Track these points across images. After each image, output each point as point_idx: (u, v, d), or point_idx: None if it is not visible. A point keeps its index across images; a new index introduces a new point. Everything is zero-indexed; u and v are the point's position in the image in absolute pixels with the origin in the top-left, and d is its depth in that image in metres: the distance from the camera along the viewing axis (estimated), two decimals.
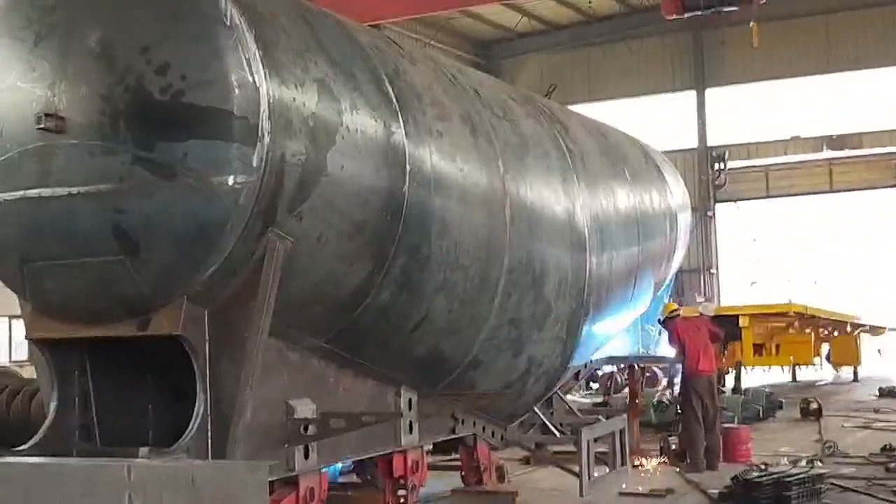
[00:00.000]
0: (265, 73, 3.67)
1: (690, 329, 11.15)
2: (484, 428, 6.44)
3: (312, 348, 4.39)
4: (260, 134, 3.61)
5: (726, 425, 11.84)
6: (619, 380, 20.92)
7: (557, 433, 7.26)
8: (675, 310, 11.48)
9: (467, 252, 4.94)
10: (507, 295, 5.43)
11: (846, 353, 26.32)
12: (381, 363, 4.86)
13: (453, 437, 6.02)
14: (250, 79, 3.61)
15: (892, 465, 10.22)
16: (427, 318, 4.80)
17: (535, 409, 7.10)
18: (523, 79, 32.45)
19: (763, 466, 9.70)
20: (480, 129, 5.27)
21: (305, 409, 4.26)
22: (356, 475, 6.37)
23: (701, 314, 13.05)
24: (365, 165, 4.12)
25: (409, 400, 5.16)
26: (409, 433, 5.17)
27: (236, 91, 3.56)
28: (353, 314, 4.38)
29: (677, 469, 10.75)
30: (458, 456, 6.81)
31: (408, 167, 4.35)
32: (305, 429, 4.24)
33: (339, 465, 7.68)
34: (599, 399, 16.96)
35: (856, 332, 26.61)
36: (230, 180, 3.56)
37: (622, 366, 19.12)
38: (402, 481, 5.23)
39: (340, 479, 7.26)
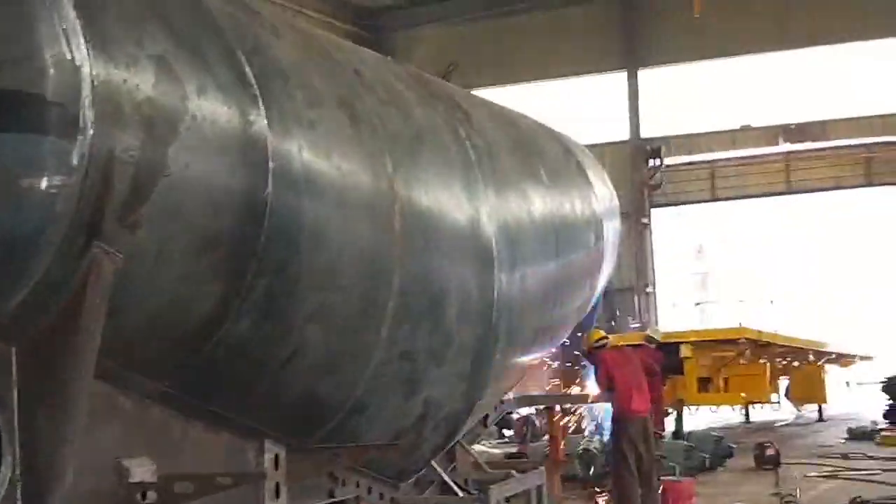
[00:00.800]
0: (88, 47, 3.61)
1: (621, 362, 11.41)
2: (370, 489, 6.42)
3: (152, 394, 4.33)
4: (81, 125, 3.55)
5: (666, 478, 12.12)
6: (537, 424, 21.20)
7: (460, 492, 7.31)
8: (603, 338, 11.71)
9: (348, 270, 4.96)
10: (398, 322, 5.45)
11: (809, 388, 27.20)
12: (240, 411, 4.82)
13: (332, 501, 6.00)
14: (68, 55, 3.54)
15: None
16: (297, 354, 4.79)
17: (434, 463, 7.13)
18: (418, 56, 32.58)
19: None
20: (363, 118, 5.29)
21: (143, 470, 4.20)
22: None
23: (648, 339, 13.33)
24: (217, 163, 4.09)
25: (276, 456, 5.12)
26: (276, 498, 5.12)
27: (50, 71, 3.49)
28: (202, 350, 4.34)
29: None
30: None
31: (271, 165, 4.34)
32: (143, 495, 4.18)
33: None
34: (513, 449, 17.12)
35: (820, 363, 27.54)
36: (43, 183, 3.48)
37: (541, 407, 19.43)
38: None
39: None
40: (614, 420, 11.41)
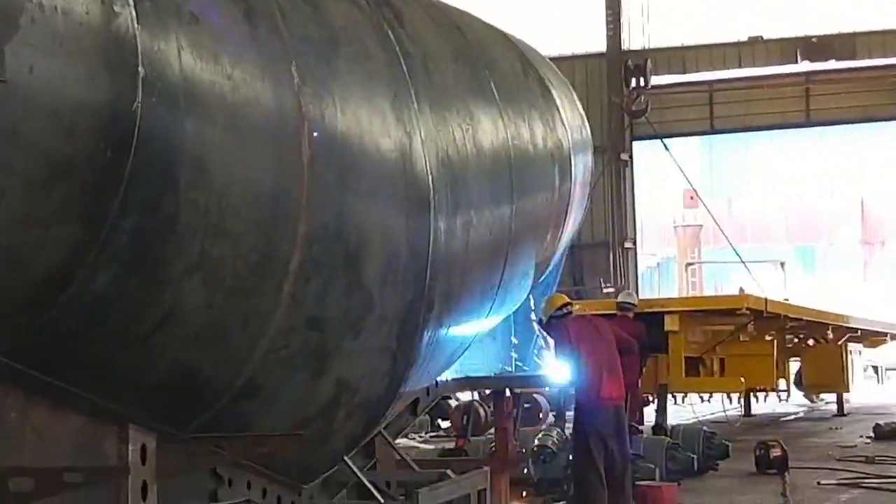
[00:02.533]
0: None
1: (590, 334, 11.49)
2: (265, 491, 6.45)
3: None
4: None
5: (642, 483, 12.27)
6: (481, 414, 21.34)
7: (381, 499, 7.36)
8: (566, 304, 11.78)
9: (239, 212, 4.93)
10: (304, 280, 5.45)
11: (826, 373, 27.58)
12: (97, 389, 4.80)
13: None
14: None
15: None
16: (172, 317, 4.78)
17: (348, 460, 7.17)
18: None
19: None
20: (261, 14, 5.25)
21: None
22: None
23: (620, 306, 13.42)
24: (70, 67, 4.03)
25: (142, 447, 5.10)
26: (143, 500, 5.11)
27: None
28: (47, 311, 4.31)
29: None
30: None
31: (141, 71, 4.29)
32: None
33: None
34: (451, 444, 17.24)
35: (841, 341, 27.93)
36: None
37: (486, 392, 19.53)
38: None
39: None
40: (579, 409, 11.51)
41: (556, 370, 11.98)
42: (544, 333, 13.13)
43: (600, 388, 11.16)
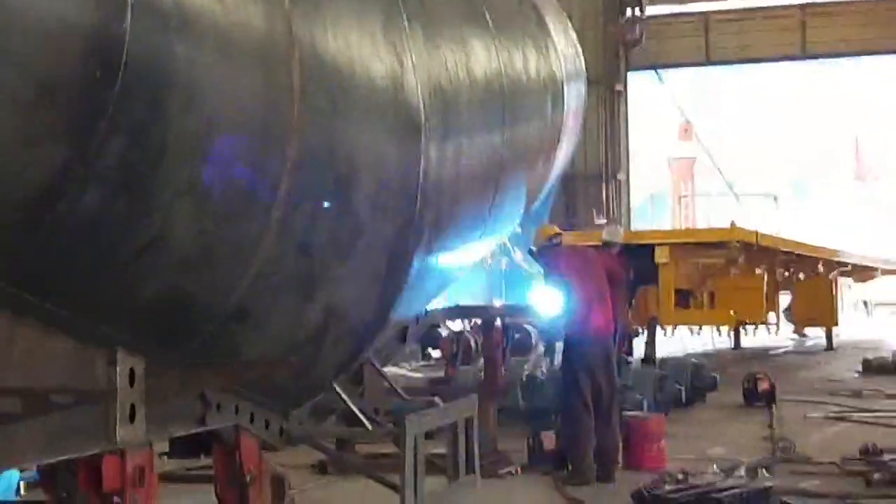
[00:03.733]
0: None
1: (579, 265, 11.54)
2: (253, 416, 6.50)
3: None
4: None
5: (629, 413, 12.38)
6: (471, 343, 21.43)
7: (369, 425, 7.41)
8: (556, 235, 11.81)
9: (229, 135, 4.92)
10: (294, 206, 5.45)
11: (816, 307, 27.74)
12: (86, 311, 4.81)
13: (203, 429, 6.05)
14: None
15: (875, 475, 10.71)
16: (161, 239, 4.78)
17: (336, 387, 7.21)
18: None
19: (682, 476, 10.21)
20: None
21: None
22: (44, 490, 6.33)
23: (604, 244, 13.48)
24: None
25: (131, 370, 5.14)
26: (131, 423, 5.16)
27: None
28: (35, 229, 4.31)
29: (554, 480, 11.18)
30: (211, 461, 6.85)
31: None
32: None
33: (17, 473, 7.61)
34: (440, 373, 17.34)
35: (831, 275, 28.05)
36: None
37: (475, 322, 19.63)
38: (116, 498, 5.24)
39: (21, 496, 7.16)
40: (567, 339, 11.56)
41: (547, 300, 12.02)
42: (535, 262, 13.13)
43: (589, 318, 11.21)
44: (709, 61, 36.93)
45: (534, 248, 12.07)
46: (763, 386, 17.21)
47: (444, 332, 23.70)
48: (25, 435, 4.62)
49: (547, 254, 11.68)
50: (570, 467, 11.21)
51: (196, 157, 4.76)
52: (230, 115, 4.92)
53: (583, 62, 10.65)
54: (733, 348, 28.58)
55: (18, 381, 4.54)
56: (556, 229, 12.06)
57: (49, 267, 4.50)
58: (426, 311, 9.45)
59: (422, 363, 23.29)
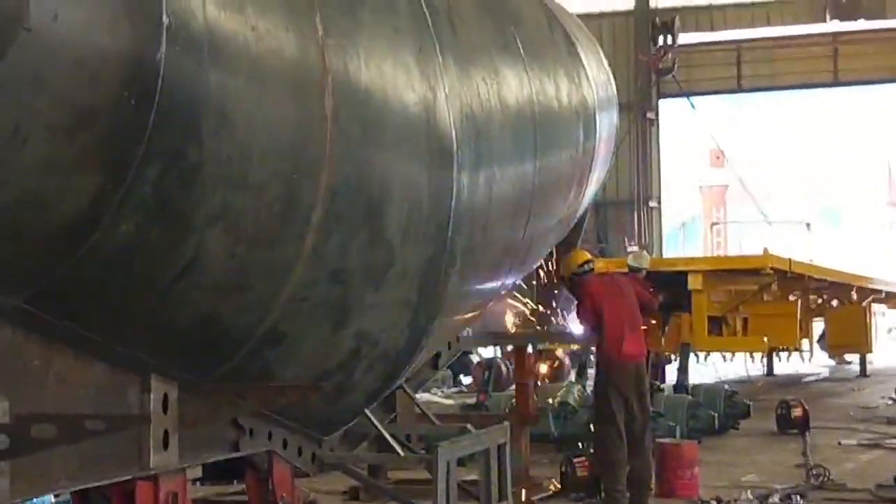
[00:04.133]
0: None
1: (611, 292, 11.50)
2: (286, 442, 6.50)
3: (3, 310, 4.33)
4: None
5: (662, 440, 12.32)
6: (503, 369, 21.40)
7: (401, 451, 7.40)
8: (588, 261, 11.78)
9: (262, 162, 4.94)
10: (326, 233, 5.46)
11: (850, 334, 27.55)
12: (120, 337, 4.83)
13: (236, 455, 6.06)
14: None
15: None
16: (195, 265, 4.79)
17: (368, 413, 7.21)
18: None
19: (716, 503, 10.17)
20: None
21: None
22: None
23: (630, 269, 13.45)
24: (94, 15, 4.03)
25: (164, 396, 5.15)
26: (164, 449, 5.17)
27: None
28: (71, 257, 4.33)
29: None
30: (244, 487, 6.85)
31: (165, 20, 4.29)
32: None
33: (51, 498, 7.63)
34: (472, 400, 17.31)
35: (865, 302, 27.87)
36: None
37: (507, 348, 19.57)
38: None
39: None
40: (600, 366, 11.52)
41: (578, 327, 12.00)
42: (565, 290, 13.08)
43: (622, 344, 11.15)
44: (741, 89, 36.83)
45: (565, 275, 12.00)
46: (796, 413, 17.10)
47: (475, 359, 23.72)
48: (59, 461, 4.63)
49: (578, 280, 11.64)
50: (602, 494, 11.16)
51: (229, 184, 4.77)
52: (263, 141, 4.94)
53: (614, 89, 10.65)
54: (766, 375, 28.40)
55: (53, 407, 4.55)
56: (588, 255, 12.03)
57: (83, 295, 4.52)
58: (458, 338, 9.45)
59: (454, 389, 23.27)
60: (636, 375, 11.29)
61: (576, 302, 12.02)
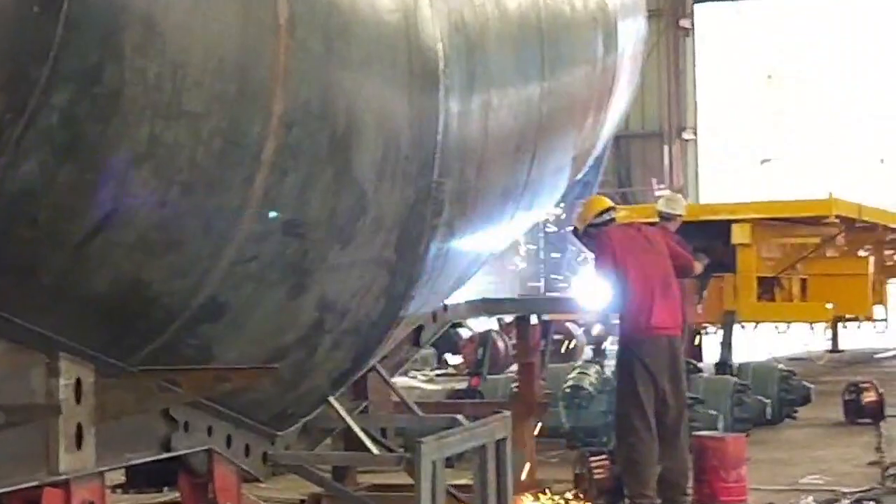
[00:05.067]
0: None
1: (637, 247, 11.50)
2: (230, 439, 6.52)
3: None
4: None
5: (701, 433, 12.35)
6: (501, 346, 21.43)
7: (375, 449, 7.42)
8: (609, 209, 11.80)
9: (199, 86, 4.93)
10: (281, 174, 5.47)
11: None
12: (20, 307, 4.83)
13: (168, 455, 6.07)
14: None
15: None
16: (115, 217, 4.79)
17: (334, 401, 7.22)
18: None
19: None
20: None
21: None
22: None
23: (661, 216, 13.46)
24: None
25: (78, 382, 5.16)
26: (77, 448, 5.18)
27: None
28: None
29: None
30: (177, 496, 6.86)
31: None
32: None
33: None
34: (462, 384, 17.36)
35: None
36: None
37: (506, 319, 19.56)
38: None
39: None
40: (623, 341, 11.53)
41: (596, 292, 12.00)
42: (581, 245, 13.03)
43: (651, 314, 11.15)
44: None
45: (579, 227, 11.98)
46: (869, 398, 17.16)
47: (466, 333, 23.75)
48: None
49: (597, 233, 11.63)
50: (628, 500, 11.22)
51: (158, 113, 4.76)
52: (200, 58, 4.92)
53: None
54: (831, 351, 28.52)
55: None
56: (609, 202, 12.03)
57: None
58: (445, 307, 9.46)
59: (439, 372, 23.31)
60: (669, 352, 11.30)
61: (593, 259, 12.01)
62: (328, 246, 6.03)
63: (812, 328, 25.73)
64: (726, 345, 19.75)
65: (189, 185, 5.03)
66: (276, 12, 5.30)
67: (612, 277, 11.33)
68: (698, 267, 13.06)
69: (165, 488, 6.94)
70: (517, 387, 12.67)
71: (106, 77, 4.50)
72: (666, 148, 35.95)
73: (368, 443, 7.40)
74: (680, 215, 13.61)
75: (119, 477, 6.48)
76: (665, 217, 13.66)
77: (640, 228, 12.05)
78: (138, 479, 6.63)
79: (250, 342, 5.98)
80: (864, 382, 17.66)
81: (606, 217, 11.63)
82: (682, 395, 11.50)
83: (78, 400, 5.16)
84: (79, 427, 5.18)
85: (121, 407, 5.48)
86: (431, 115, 6.49)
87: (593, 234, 11.64)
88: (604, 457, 11.77)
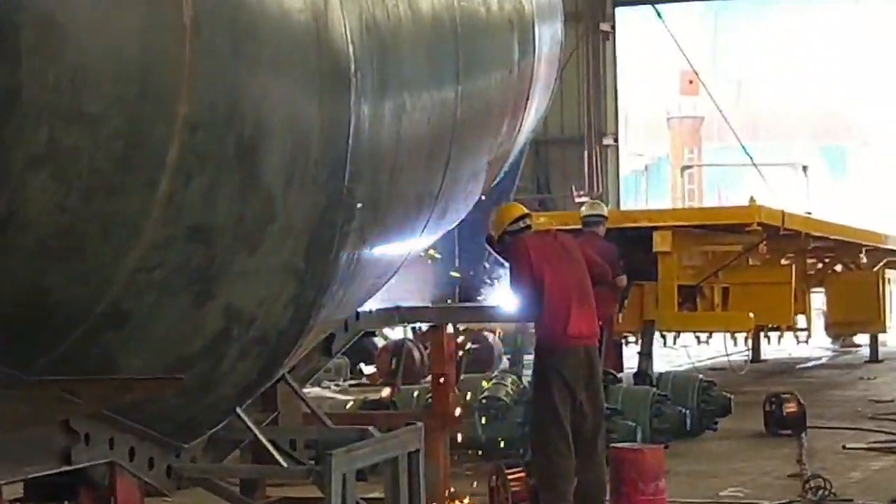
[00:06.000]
0: None
1: (554, 254, 11.51)
2: (133, 451, 6.47)
3: None
4: None
5: (619, 445, 12.39)
6: (416, 356, 21.43)
7: (283, 462, 7.40)
8: (524, 216, 11.81)
9: (100, 87, 4.90)
10: (185, 179, 5.44)
11: (857, 308, 27.81)
12: None
13: (67, 469, 6.02)
14: None
15: None
16: (12, 221, 4.77)
17: (241, 412, 7.19)
18: None
19: None
20: None
21: None
22: None
23: (585, 221, 13.46)
24: None
25: None
26: None
27: None
28: None
29: None
30: None
31: None
32: None
33: None
34: (376, 395, 17.35)
35: (878, 267, 28.15)
36: None
37: (420, 328, 19.57)
38: None
39: None
40: (540, 351, 11.53)
41: (511, 301, 12.02)
42: (495, 253, 13.00)
43: (567, 323, 11.18)
44: None
45: (493, 234, 11.97)
46: (790, 409, 17.28)
47: (380, 342, 23.75)
48: None
49: (512, 241, 11.63)
50: None
51: (57, 114, 4.73)
52: (101, 58, 4.89)
53: None
54: (752, 361, 28.71)
55: None
56: (523, 209, 12.04)
57: None
58: (357, 315, 9.44)
59: (352, 382, 23.31)
60: (587, 362, 11.33)
61: (509, 268, 12.00)
62: (235, 252, 6.00)
63: (734, 338, 25.92)
64: (646, 354, 19.84)
65: (89, 189, 4.99)
66: (182, 11, 5.26)
67: (528, 285, 11.34)
68: (622, 281, 13.10)
69: (66, 503, 6.87)
70: (431, 397, 12.67)
71: (2, 78, 4.46)
72: (586, 154, 36.04)
73: (277, 455, 7.38)
74: (605, 217, 13.64)
75: (17, 491, 6.41)
76: (592, 222, 13.68)
77: (556, 235, 12.09)
78: (37, 493, 6.56)
79: (154, 351, 5.94)
80: (785, 393, 17.78)
81: (522, 224, 11.65)
82: (600, 406, 11.54)
83: None
84: None
85: (18, 419, 5.43)
86: (342, 118, 6.47)
87: (508, 241, 11.65)
88: (520, 469, 11.78)
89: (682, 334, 23.35)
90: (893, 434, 16.99)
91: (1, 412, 5.26)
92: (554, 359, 11.22)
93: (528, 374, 15.60)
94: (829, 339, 32.12)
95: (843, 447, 15.98)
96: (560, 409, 11.10)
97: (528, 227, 11.73)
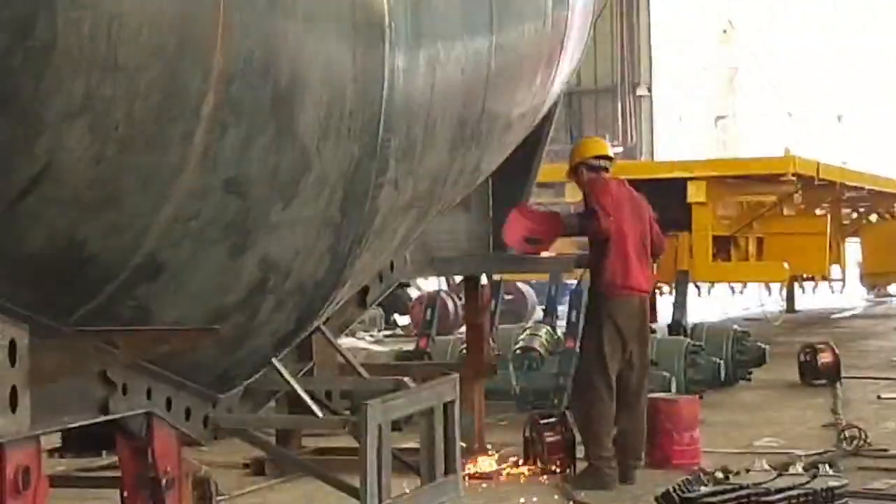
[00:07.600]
0: None
1: (626, 206, 11.42)
2: (170, 402, 6.50)
3: None
4: None
5: (654, 395, 12.41)
6: (450, 307, 21.45)
7: (319, 412, 7.41)
8: (605, 157, 11.65)
9: (136, 38, 4.89)
10: (221, 130, 5.44)
11: (892, 258, 27.69)
12: None
13: (106, 419, 6.05)
14: None
15: None
16: (49, 173, 4.77)
17: (277, 363, 7.21)
18: None
19: (721, 475, 10.24)
20: None
21: None
22: None
23: (592, 165, 13.28)
24: None
25: (12, 343, 5.12)
26: (11, 412, 5.14)
27: None
28: None
29: (560, 482, 11.20)
30: (115, 460, 6.84)
31: None
32: None
33: None
34: (410, 346, 17.38)
35: None
36: None
37: (456, 280, 19.58)
38: None
39: None
40: (596, 296, 11.39)
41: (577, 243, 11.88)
42: (574, 182, 12.43)
43: (628, 273, 11.13)
44: None
45: (573, 161, 11.72)
46: (824, 359, 17.27)
47: (414, 293, 23.78)
48: None
49: (596, 178, 11.45)
50: (579, 463, 11.24)
51: (93, 66, 4.72)
52: (137, 9, 4.88)
53: None
54: (787, 311, 28.65)
55: None
56: (608, 151, 11.89)
57: None
58: (392, 266, 9.45)
59: (387, 332, 23.35)
60: (641, 314, 11.34)
61: (583, 206, 11.83)
62: (270, 204, 6.01)
63: (768, 288, 25.85)
64: (680, 305, 19.81)
65: (125, 141, 5.00)
66: None
67: (598, 228, 11.23)
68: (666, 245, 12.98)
69: (103, 452, 6.90)
70: (466, 348, 12.70)
71: (37, 29, 4.47)
72: (619, 104, 35.94)
73: (313, 405, 7.38)
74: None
75: (55, 441, 6.44)
76: (599, 167, 13.48)
77: (631, 190, 11.93)
78: (75, 443, 6.59)
79: (190, 302, 5.96)
80: (819, 343, 17.76)
81: (601, 164, 11.57)
82: (647, 357, 11.56)
83: (12, 362, 5.13)
84: (13, 390, 5.14)
85: (56, 369, 5.45)
86: (376, 69, 6.46)
87: (585, 175, 11.56)
88: (554, 419, 11.79)
89: (716, 285, 23.25)
90: None
91: (39, 363, 5.28)
92: (611, 305, 11.20)
93: (562, 325, 15.61)
94: (864, 289, 32.03)
95: (878, 397, 15.99)
96: (608, 355, 11.08)
97: (606, 169, 11.64)
